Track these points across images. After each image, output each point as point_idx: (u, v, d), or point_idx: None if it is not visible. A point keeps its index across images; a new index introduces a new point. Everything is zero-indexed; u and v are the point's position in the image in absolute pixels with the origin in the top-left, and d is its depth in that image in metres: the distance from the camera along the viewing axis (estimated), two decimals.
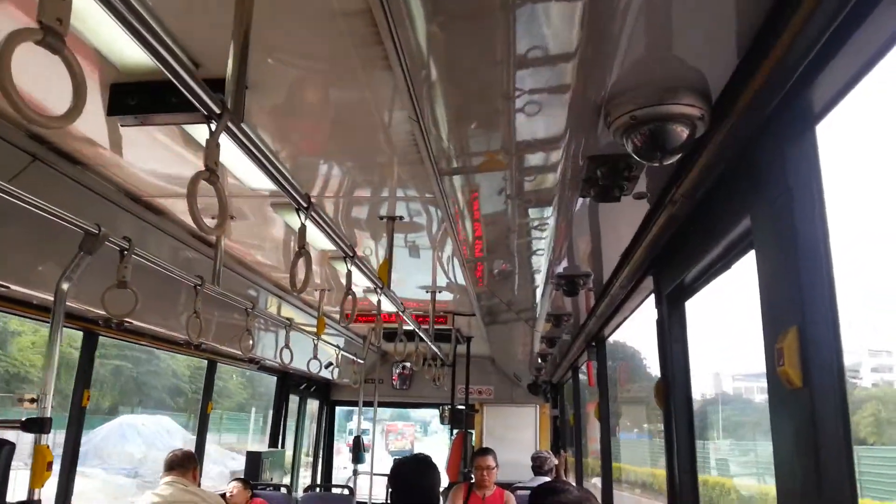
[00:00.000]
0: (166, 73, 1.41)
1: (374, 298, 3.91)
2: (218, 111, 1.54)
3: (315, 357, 5.79)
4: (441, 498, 6.07)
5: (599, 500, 3.93)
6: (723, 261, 1.98)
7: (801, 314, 1.40)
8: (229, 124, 1.60)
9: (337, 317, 6.30)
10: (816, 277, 1.38)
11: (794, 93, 1.31)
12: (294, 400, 8.96)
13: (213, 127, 1.58)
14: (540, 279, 3.84)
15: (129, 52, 1.95)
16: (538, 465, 7.03)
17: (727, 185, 1.76)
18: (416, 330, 5.04)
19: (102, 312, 3.68)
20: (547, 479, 6.69)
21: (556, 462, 7.37)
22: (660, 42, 1.38)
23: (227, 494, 6.12)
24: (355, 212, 3.54)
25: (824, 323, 1.38)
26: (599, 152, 1.88)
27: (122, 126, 2.33)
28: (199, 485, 5.32)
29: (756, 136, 1.50)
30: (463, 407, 8.40)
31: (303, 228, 2.38)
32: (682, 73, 1.45)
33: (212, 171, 1.59)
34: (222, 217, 1.71)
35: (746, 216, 1.62)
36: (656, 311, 2.60)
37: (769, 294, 1.56)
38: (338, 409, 10.49)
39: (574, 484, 6.37)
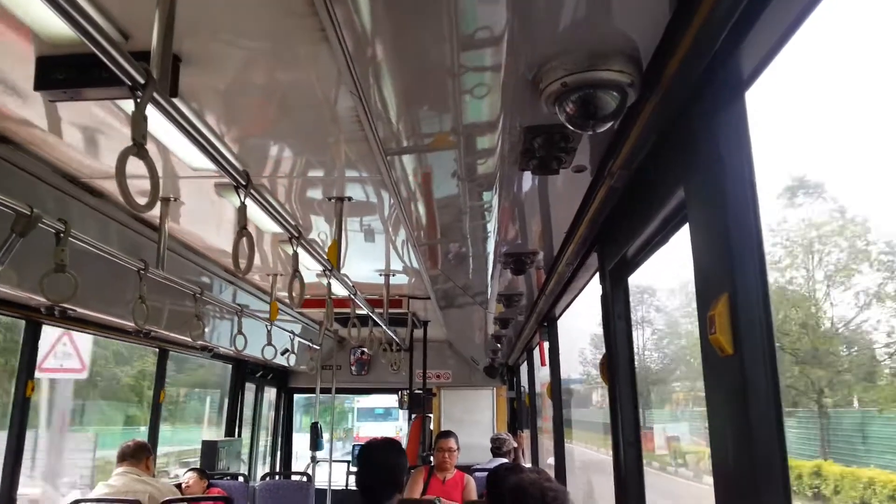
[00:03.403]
0: (87, 42, 1.36)
1: (325, 282, 3.88)
2: (143, 81, 1.49)
3: (269, 343, 5.72)
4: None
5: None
6: (661, 234, 2.00)
7: (731, 282, 1.41)
8: (156, 95, 1.55)
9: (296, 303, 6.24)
10: (746, 244, 1.40)
11: (722, 57, 1.32)
12: (251, 389, 8.89)
13: (140, 99, 1.53)
14: (489, 259, 3.85)
15: (55, 22, 1.88)
16: (497, 447, 7.09)
17: (662, 155, 1.77)
18: (370, 314, 5.02)
19: (44, 300, 3.59)
20: (506, 460, 6.75)
21: (515, 444, 7.44)
22: (588, 7, 1.38)
23: (183, 485, 6.05)
24: (304, 193, 3.49)
25: (754, 289, 1.40)
26: (535, 123, 1.87)
27: (51, 101, 2.25)
28: (154, 474, 5.25)
29: (687, 103, 1.51)
30: (421, 391, 8.42)
31: (242, 207, 2.33)
32: (610, 38, 1.45)
33: (140, 145, 1.55)
34: (154, 194, 1.67)
35: (681, 187, 1.63)
36: (600, 286, 2.62)
37: (701, 263, 1.57)
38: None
39: (530, 465, 6.42)
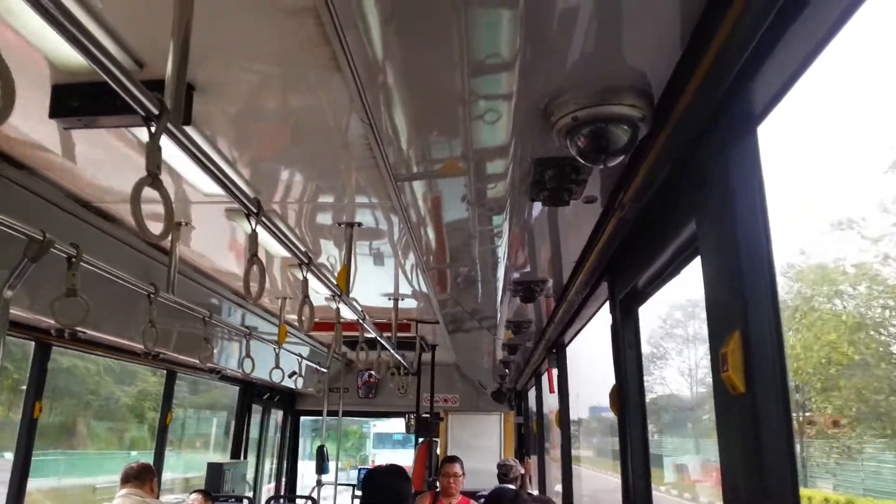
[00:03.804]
0: (99, 71, 1.37)
1: (334, 306, 3.87)
2: (157, 112, 1.50)
3: (277, 366, 5.71)
4: None
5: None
6: (672, 266, 1.99)
7: (743, 319, 1.40)
8: (170, 126, 1.56)
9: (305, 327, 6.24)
10: (759, 281, 1.39)
11: (734, 92, 1.32)
12: (258, 411, 8.86)
13: (154, 129, 1.54)
14: (499, 286, 3.84)
15: (69, 52, 1.90)
16: (503, 473, 7.01)
17: (673, 188, 1.77)
18: (378, 338, 5.00)
19: (53, 322, 3.60)
20: (512, 487, 6.67)
21: (523, 470, 7.36)
22: (600, 42, 1.38)
23: None
24: (314, 218, 3.50)
25: (767, 327, 1.38)
26: (546, 155, 1.87)
27: (65, 129, 2.27)
28: (158, 497, 5.22)
29: (699, 138, 1.50)
30: (427, 415, 8.37)
31: (254, 234, 2.33)
32: (622, 73, 1.45)
33: (154, 176, 1.55)
34: (168, 223, 1.67)
35: (692, 220, 1.63)
36: (611, 316, 2.61)
37: (713, 299, 1.56)
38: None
39: (537, 493, 6.35)
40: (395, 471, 3.09)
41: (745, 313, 1.39)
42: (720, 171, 1.46)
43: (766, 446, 1.34)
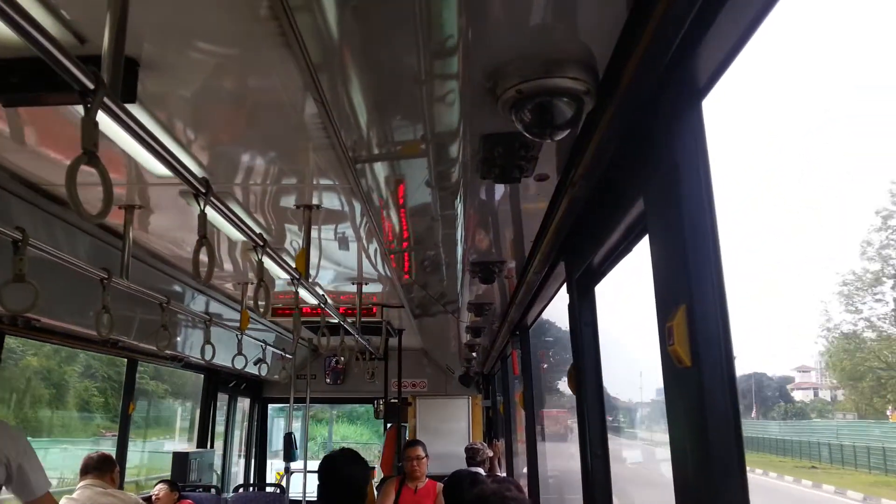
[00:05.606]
0: (31, 46, 1.32)
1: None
2: (92, 86, 1.45)
3: (240, 353, 5.64)
4: (375, 492, 6.01)
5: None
6: (624, 243, 2.00)
7: (688, 293, 1.41)
8: (107, 101, 1.51)
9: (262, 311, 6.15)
10: (703, 255, 1.39)
11: (678, 64, 1.31)
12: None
13: (90, 105, 1.49)
14: (459, 268, 3.83)
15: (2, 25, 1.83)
16: (471, 457, 7.04)
17: (622, 164, 1.77)
18: (342, 323, 4.97)
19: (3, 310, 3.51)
20: (480, 470, 6.70)
21: (491, 453, 7.39)
22: (542, 15, 1.36)
23: (153, 497, 5.97)
24: (276, 202, 3.44)
25: (712, 301, 1.39)
26: (494, 131, 1.86)
27: (4, 106, 2.20)
28: (122, 488, 5.16)
29: (645, 111, 1.50)
30: (395, 400, 8.37)
31: (202, 215, 2.29)
32: (565, 45, 1.44)
33: (91, 153, 1.51)
34: (107, 202, 1.63)
35: (640, 196, 1.63)
36: (568, 296, 2.61)
37: (660, 273, 1.56)
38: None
39: (505, 475, 6.39)
40: (347, 455, 3.09)
41: (689, 288, 1.40)
42: (666, 146, 1.46)
43: (711, 418, 1.35)
